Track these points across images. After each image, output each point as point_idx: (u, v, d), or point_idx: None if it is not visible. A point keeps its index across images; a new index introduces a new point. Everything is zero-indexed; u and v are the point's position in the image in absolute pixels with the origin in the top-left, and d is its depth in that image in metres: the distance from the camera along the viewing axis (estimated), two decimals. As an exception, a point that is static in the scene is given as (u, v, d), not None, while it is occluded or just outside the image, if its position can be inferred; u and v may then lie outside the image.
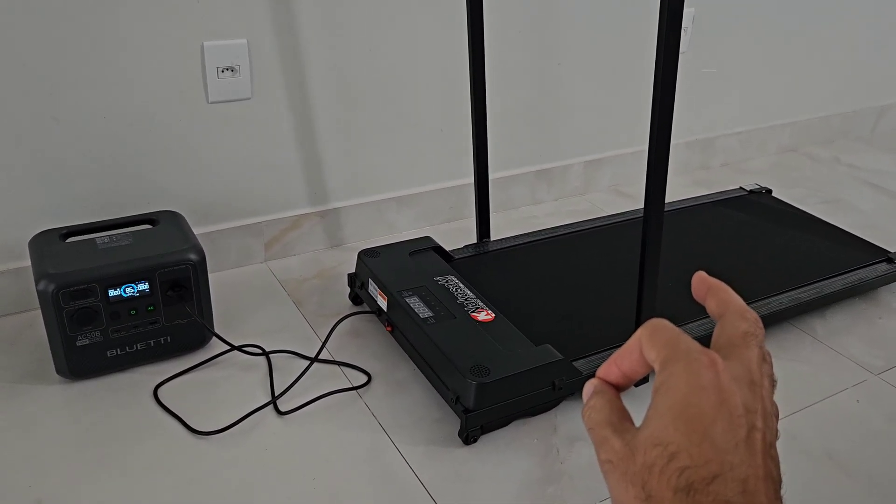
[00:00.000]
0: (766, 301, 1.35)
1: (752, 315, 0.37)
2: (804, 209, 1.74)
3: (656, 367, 0.35)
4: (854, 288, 1.43)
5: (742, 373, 0.34)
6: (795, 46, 2.13)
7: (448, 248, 1.44)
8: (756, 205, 1.74)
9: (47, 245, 1.14)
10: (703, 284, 0.40)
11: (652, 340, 0.36)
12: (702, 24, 1.91)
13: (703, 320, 1.28)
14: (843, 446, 1.11)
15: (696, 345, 0.34)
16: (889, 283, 1.49)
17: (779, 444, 1.09)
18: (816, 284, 1.41)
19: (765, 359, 0.36)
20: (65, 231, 1.18)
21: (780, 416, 1.16)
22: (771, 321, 1.33)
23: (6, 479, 0.97)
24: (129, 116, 1.29)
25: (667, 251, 1.48)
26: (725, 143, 2.13)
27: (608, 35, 1.76)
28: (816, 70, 2.22)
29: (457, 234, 1.66)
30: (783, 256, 1.51)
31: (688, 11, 1.85)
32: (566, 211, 1.82)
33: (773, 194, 1.83)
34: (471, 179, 1.71)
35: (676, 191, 1.93)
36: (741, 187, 1.83)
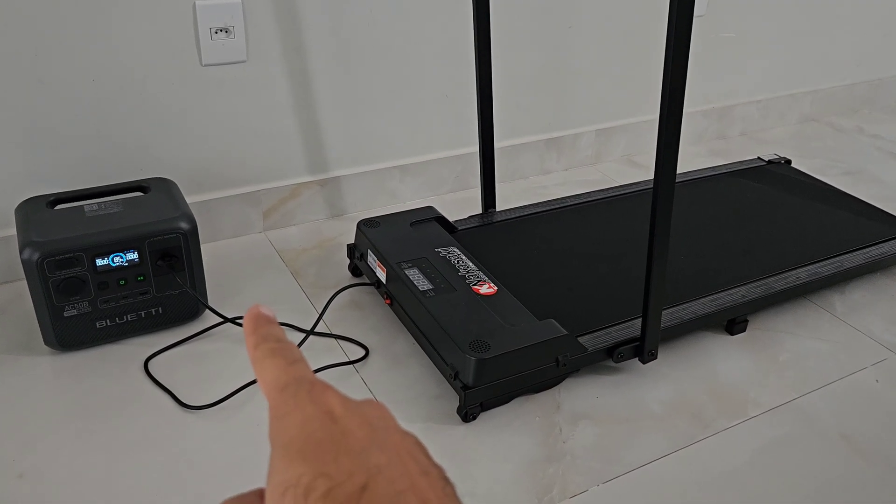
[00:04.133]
0: (784, 275, 1.29)
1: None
2: (825, 180, 1.67)
3: (263, 390, 0.31)
4: (875, 263, 1.36)
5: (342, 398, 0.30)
6: (819, 11, 2.04)
7: (453, 218, 1.39)
8: (775, 175, 1.67)
9: (34, 212, 1.10)
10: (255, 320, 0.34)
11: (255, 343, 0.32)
12: (721, -15, 1.82)
13: (716, 294, 1.23)
14: (861, 428, 1.05)
15: (304, 378, 0.31)
16: (913, 257, 1.42)
17: (793, 424, 1.02)
18: (836, 258, 1.35)
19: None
20: (52, 198, 1.14)
21: (797, 395, 1.10)
22: (789, 296, 1.27)
23: (-11, 452, 0.94)
24: (119, 79, 1.24)
25: (681, 223, 1.42)
26: (744, 112, 2.05)
27: (622, -3, 1.69)
28: (841, 36, 2.13)
29: (462, 204, 1.61)
30: (802, 229, 1.45)
31: (707, -28, 1.77)
32: (576, 181, 1.76)
33: (793, 165, 1.76)
34: (476, 148, 1.65)
35: (692, 161, 1.86)
36: (759, 157, 1.75)
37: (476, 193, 1.66)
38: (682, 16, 0.89)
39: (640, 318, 1.15)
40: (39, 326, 1.09)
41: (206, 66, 1.30)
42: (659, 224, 1.00)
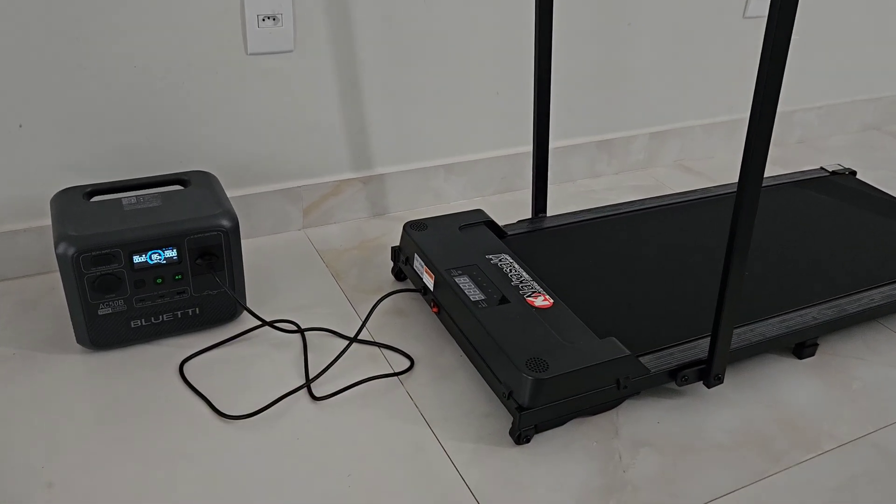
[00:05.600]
0: (856, 297, 1.20)
1: None
2: (892, 194, 1.58)
3: None
4: (954, 285, 1.27)
5: None
6: (883, 16, 1.93)
7: (499, 221, 1.33)
8: (839, 187, 1.58)
9: (69, 204, 1.05)
10: None
11: None
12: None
13: (785, 315, 1.15)
14: (947, 469, 0.97)
15: None
16: None
17: (871, 461, 0.91)
18: (911, 280, 1.26)
19: None
20: (89, 189, 1.09)
21: (873, 429, 1.00)
22: (859, 319, 1.19)
23: (18, 456, 0.90)
24: (162, 66, 1.19)
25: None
26: (803, 118, 1.95)
27: (684, -6, 1.60)
28: (908, 41, 2.02)
29: (508, 206, 1.54)
30: (872, 247, 1.36)
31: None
32: (627, 186, 1.68)
33: (857, 176, 1.66)
34: (525, 148, 1.58)
35: (748, 168, 1.77)
36: (822, 167, 1.66)
37: (522, 196, 1.59)
38: (783, 19, 0.81)
39: (705, 339, 1.08)
40: (72, 324, 1.04)
41: (251, 55, 1.24)
42: (739, 237, 0.93)
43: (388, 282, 1.28)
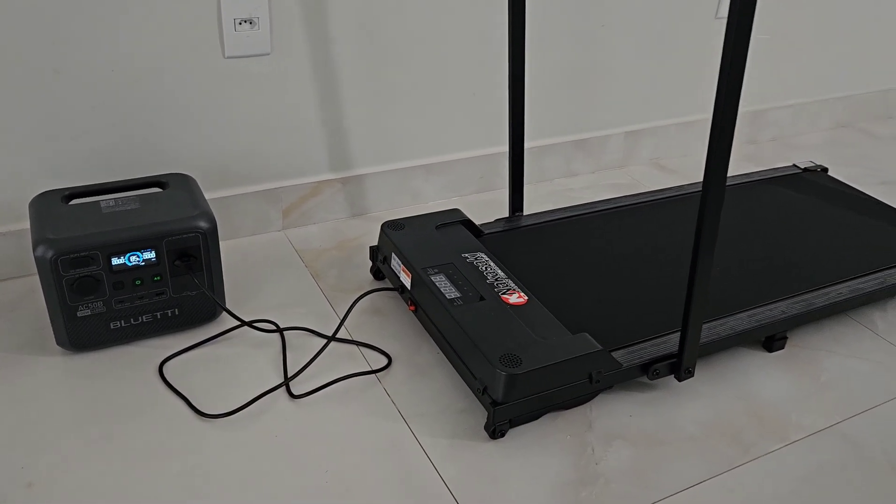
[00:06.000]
0: (824, 291, 1.23)
1: None
2: (862, 190, 1.61)
3: None
4: (920, 279, 1.30)
5: None
6: (855, 14, 1.97)
7: (477, 220, 1.34)
8: (811, 184, 1.61)
9: (48, 207, 1.06)
10: None
11: None
12: (759, -15, 1.76)
13: (755, 310, 1.17)
14: (910, 456, 1.00)
15: None
16: (957, 274, 1.36)
17: (837, 450, 0.94)
18: (878, 274, 1.29)
19: None
20: (68, 192, 1.10)
21: (840, 419, 1.04)
22: (829, 313, 1.21)
23: (-3, 458, 0.90)
24: (139, 70, 1.19)
25: (715, 232, 1.36)
26: (776, 116, 1.99)
27: (657, -5, 1.63)
28: (877, 40, 2.06)
29: (486, 206, 1.56)
30: (842, 242, 1.39)
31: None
32: (604, 184, 1.70)
33: (829, 173, 1.70)
34: (502, 148, 1.61)
35: (722, 166, 1.80)
36: (795, 165, 1.69)
37: (500, 195, 1.61)
38: (742, 21, 0.83)
39: (676, 333, 1.11)
40: (52, 326, 1.05)
41: (228, 58, 1.25)
42: (705, 234, 0.95)
43: (367, 281, 1.30)
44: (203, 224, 1.07)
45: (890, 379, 1.14)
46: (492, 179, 1.62)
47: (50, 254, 0.98)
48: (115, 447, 0.93)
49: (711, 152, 0.89)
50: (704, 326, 1.12)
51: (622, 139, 1.76)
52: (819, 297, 1.22)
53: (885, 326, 1.27)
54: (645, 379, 1.08)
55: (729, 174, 1.66)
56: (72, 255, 1.00)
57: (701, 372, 1.12)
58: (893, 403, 1.10)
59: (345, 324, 1.17)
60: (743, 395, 1.09)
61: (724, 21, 1.73)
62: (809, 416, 1.06)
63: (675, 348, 1.07)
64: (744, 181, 1.60)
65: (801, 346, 1.21)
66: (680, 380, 1.07)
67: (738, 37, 0.82)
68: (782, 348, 1.19)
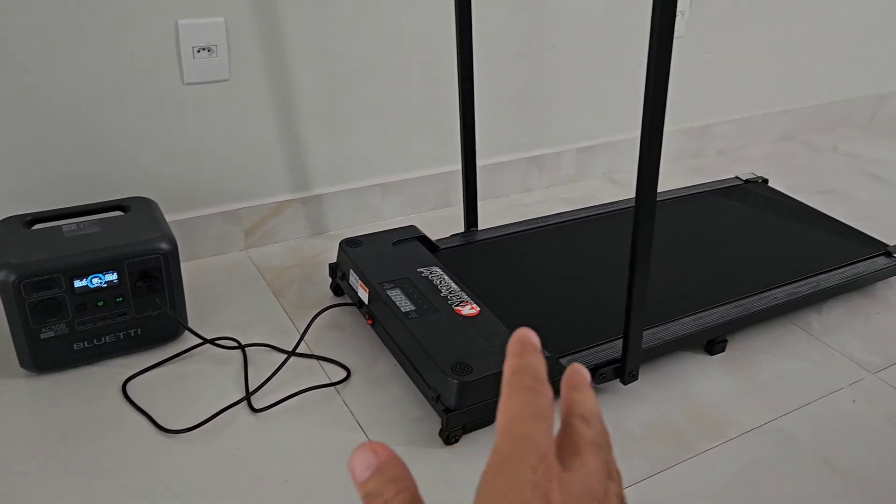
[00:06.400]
0: (761, 295, 1.30)
1: (598, 423, 0.32)
2: (801, 199, 1.70)
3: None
4: (851, 282, 1.38)
5: (582, 491, 0.29)
6: (795, 32, 2.07)
7: (436, 236, 1.39)
8: (751, 195, 1.69)
9: (11, 232, 1.09)
10: (570, 379, 0.33)
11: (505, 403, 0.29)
12: (700, 8, 1.85)
13: (696, 315, 1.24)
14: (840, 449, 1.07)
15: (539, 446, 0.28)
16: (887, 277, 1.45)
17: (772, 446, 1.02)
18: (813, 278, 1.37)
19: (611, 475, 0.30)
20: (30, 217, 1.13)
21: (776, 416, 1.11)
22: (767, 316, 1.28)
23: (-38, 479, 0.93)
24: (100, 97, 1.23)
25: (660, 242, 1.43)
26: (722, 131, 2.08)
27: (603, 18, 1.70)
28: (815, 56, 2.17)
29: (445, 221, 1.61)
30: (779, 249, 1.46)
31: (685, -6, 1.79)
32: (558, 199, 1.77)
33: (770, 184, 1.78)
34: (458, 166, 1.66)
35: (671, 179, 1.88)
36: (737, 176, 1.78)
37: (458, 211, 1.66)
38: (663, 37, 0.90)
39: (621, 339, 1.16)
40: (15, 348, 1.07)
41: (188, 84, 1.29)
42: (640, 244, 1.01)
43: (327, 297, 1.34)
44: (164, 245, 1.10)
45: (824, 377, 1.21)
46: (449, 196, 1.67)
47: (12, 278, 1.01)
48: (80, 465, 0.96)
49: (641, 167, 0.96)
50: (649, 331, 1.18)
51: (575, 155, 1.83)
52: (758, 302, 1.29)
53: (821, 328, 1.34)
54: (592, 383, 1.13)
55: (674, 187, 1.74)
56: (34, 279, 1.02)
57: (645, 375, 1.18)
58: (827, 400, 1.17)
59: (305, 339, 1.21)
60: (685, 396, 1.15)
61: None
62: (747, 415, 1.12)
63: (620, 353, 1.13)
64: (688, 193, 1.67)
65: (741, 348, 1.27)
66: (625, 383, 1.13)
67: (659, 51, 0.89)
68: (723, 351, 1.26)
